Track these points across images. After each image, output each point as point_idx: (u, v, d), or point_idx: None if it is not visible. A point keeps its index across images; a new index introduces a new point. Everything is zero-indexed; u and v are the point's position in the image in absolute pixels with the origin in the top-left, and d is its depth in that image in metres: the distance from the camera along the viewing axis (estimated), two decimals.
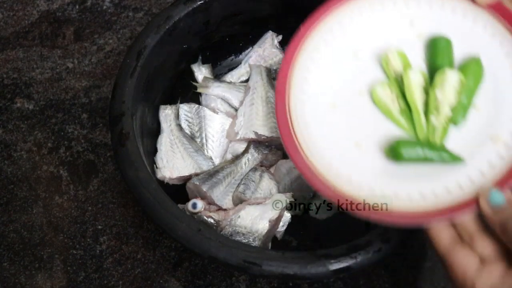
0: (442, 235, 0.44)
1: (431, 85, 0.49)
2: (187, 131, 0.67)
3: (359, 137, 0.51)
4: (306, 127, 0.52)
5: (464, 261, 0.43)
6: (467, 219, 0.44)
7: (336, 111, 0.52)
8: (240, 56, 0.75)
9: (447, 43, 0.51)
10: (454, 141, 0.48)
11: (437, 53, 0.51)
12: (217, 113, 0.68)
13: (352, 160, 0.50)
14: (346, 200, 0.47)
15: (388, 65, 0.52)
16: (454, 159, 0.47)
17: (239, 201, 0.61)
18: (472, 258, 0.43)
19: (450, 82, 0.49)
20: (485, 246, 0.43)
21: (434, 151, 0.47)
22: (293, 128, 0.51)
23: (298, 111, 0.52)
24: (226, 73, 0.74)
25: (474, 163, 0.46)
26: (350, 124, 0.52)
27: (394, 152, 0.48)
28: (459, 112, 0.48)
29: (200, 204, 0.59)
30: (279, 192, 0.63)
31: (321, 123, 0.52)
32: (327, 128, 0.52)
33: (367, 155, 0.50)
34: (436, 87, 0.49)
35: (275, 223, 0.59)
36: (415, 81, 0.50)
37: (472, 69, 0.49)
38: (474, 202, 0.43)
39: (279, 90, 0.53)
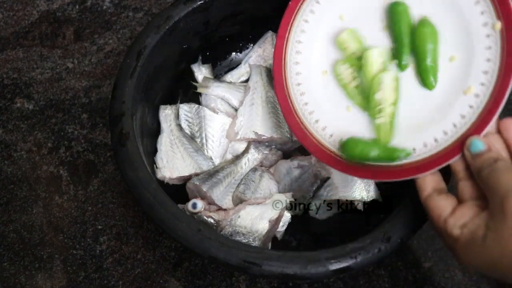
0: (425, 184, 0.49)
1: (370, 91, 0.54)
2: (187, 131, 0.67)
3: (349, 101, 0.56)
4: (301, 95, 0.57)
5: (441, 203, 0.48)
6: (458, 167, 0.48)
7: (327, 77, 0.57)
8: (240, 56, 0.75)
9: (404, 8, 0.54)
10: (433, 98, 0.51)
11: (395, 19, 0.54)
12: (217, 113, 0.68)
13: (343, 123, 0.55)
14: (338, 159, 0.54)
15: (343, 45, 0.56)
16: (399, 156, 0.51)
17: (239, 201, 0.61)
18: (449, 202, 0.48)
19: (386, 83, 0.53)
20: (466, 188, 0.48)
21: (380, 150, 0.52)
22: (290, 98, 0.58)
23: (293, 82, 0.58)
24: (226, 73, 0.74)
25: (449, 117, 0.50)
26: (340, 89, 0.56)
27: (343, 151, 0.53)
28: (430, 76, 0.52)
29: (200, 204, 0.59)
30: (279, 192, 0.63)
31: (315, 91, 0.57)
32: (320, 95, 0.57)
33: (356, 118, 0.55)
34: (375, 92, 0.53)
35: (275, 223, 0.59)
36: (371, 59, 0.54)
37: (425, 32, 0.52)
38: (449, 155, 0.48)
39: (276, 64, 0.59)
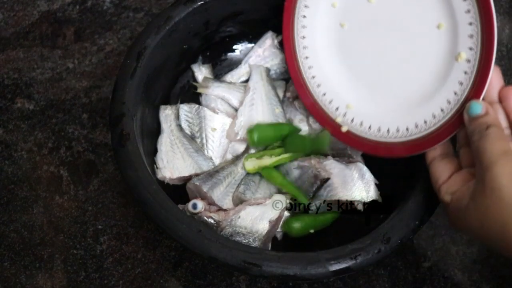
0: (432, 151, 0.51)
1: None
2: (187, 131, 0.67)
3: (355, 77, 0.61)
4: (318, 86, 0.63)
5: (440, 169, 0.50)
6: (461, 133, 0.50)
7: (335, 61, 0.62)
8: (240, 56, 0.75)
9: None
10: (429, 69, 0.53)
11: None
12: (217, 113, 0.68)
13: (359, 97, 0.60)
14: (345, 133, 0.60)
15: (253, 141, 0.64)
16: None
17: (239, 201, 0.61)
18: (448, 167, 0.49)
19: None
20: (465, 154, 0.49)
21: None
22: (308, 91, 0.63)
23: (308, 76, 0.63)
24: (226, 73, 0.74)
25: (448, 86, 0.51)
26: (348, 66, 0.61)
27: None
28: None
29: (200, 205, 0.59)
30: (279, 192, 0.63)
31: (329, 78, 0.63)
32: (331, 78, 0.62)
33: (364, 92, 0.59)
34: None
35: (275, 223, 0.59)
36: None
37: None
38: (457, 122, 0.50)
39: (290, 65, 0.65)
